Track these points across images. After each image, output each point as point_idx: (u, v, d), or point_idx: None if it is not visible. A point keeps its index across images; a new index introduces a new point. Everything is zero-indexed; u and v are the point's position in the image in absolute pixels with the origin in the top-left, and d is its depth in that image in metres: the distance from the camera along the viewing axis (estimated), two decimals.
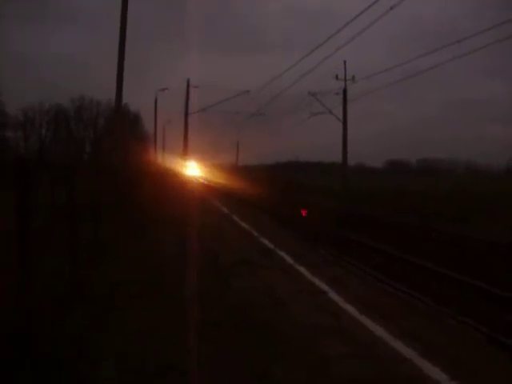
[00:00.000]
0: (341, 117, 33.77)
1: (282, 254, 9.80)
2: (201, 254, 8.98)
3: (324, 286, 6.98)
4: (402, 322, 5.42)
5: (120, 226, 9.96)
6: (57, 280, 5.49)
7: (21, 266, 4.12)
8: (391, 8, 18.51)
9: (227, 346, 4.45)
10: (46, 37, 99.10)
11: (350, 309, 5.86)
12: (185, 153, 38.40)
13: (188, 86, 37.91)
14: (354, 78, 32.91)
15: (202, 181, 55.01)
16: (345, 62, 32.93)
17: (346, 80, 33.19)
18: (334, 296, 6.47)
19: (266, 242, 11.50)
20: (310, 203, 22.81)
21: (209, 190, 42.76)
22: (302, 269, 8.28)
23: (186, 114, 38.50)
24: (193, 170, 47.51)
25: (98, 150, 60.82)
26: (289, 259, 9.21)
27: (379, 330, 5.04)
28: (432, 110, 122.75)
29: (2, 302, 4.00)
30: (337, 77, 33.16)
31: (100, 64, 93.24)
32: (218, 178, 51.81)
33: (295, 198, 26.83)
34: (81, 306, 5.28)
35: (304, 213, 20.48)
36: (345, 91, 33.30)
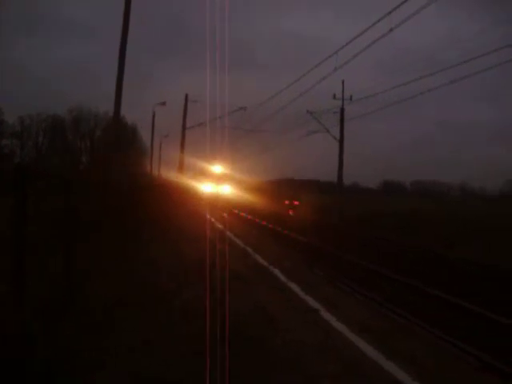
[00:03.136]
0: (337, 136, 34.09)
1: None
2: None
3: None
4: None
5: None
6: (53, 289, 5.45)
7: (17, 274, 4.12)
8: (391, 29, 18.81)
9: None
10: (47, 48, 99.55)
11: None
12: (181, 167, 38.34)
13: (186, 100, 38.13)
14: (351, 97, 33.31)
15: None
16: (343, 82, 33.39)
17: (343, 99, 33.58)
18: None
19: None
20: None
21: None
22: None
23: (184, 129, 38.63)
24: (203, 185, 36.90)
25: (94, 161, 60.74)
26: None
27: None
28: (426, 131, 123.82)
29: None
30: (334, 96, 33.55)
31: (100, 76, 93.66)
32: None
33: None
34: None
35: None
36: (342, 110, 33.62)
